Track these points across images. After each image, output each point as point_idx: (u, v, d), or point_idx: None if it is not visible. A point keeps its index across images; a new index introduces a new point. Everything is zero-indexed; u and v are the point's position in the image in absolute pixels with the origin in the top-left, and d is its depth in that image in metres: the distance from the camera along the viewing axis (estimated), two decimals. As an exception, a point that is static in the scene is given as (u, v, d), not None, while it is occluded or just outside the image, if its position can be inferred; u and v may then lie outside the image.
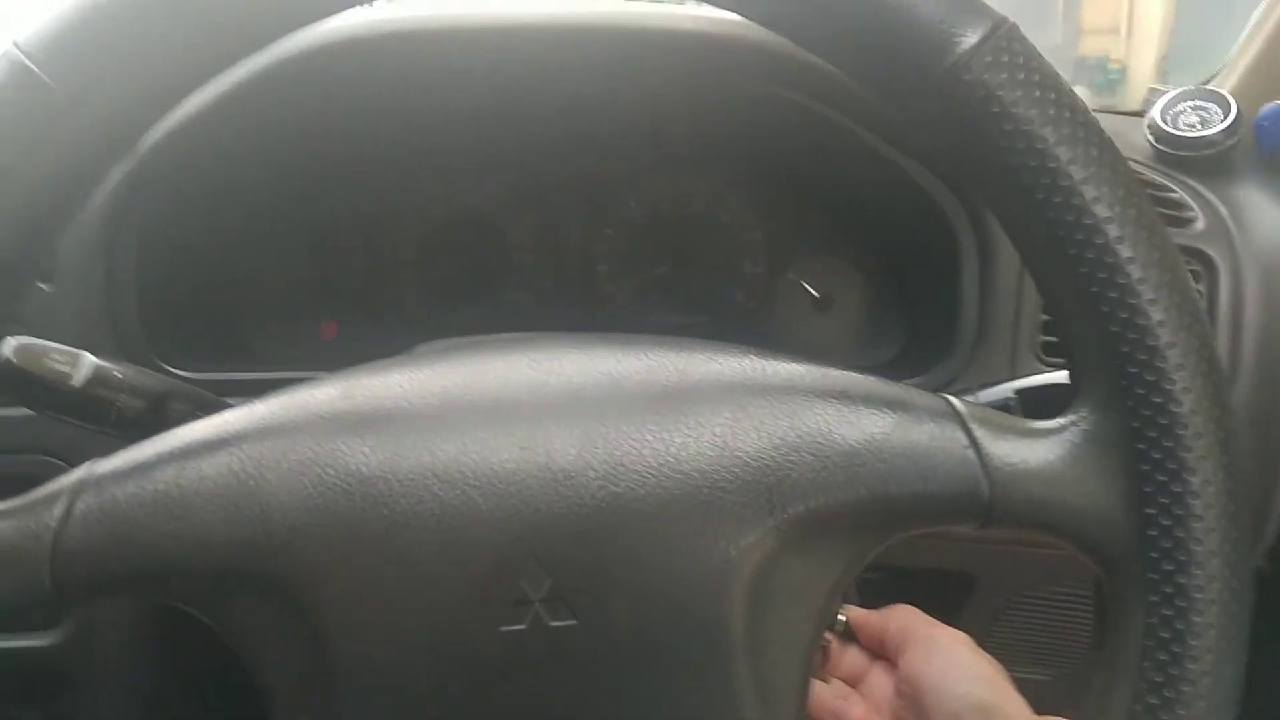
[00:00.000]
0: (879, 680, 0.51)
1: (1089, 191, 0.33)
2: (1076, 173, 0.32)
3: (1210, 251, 0.66)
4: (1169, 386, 0.33)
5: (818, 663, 0.55)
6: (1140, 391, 0.33)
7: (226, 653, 0.35)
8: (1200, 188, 0.69)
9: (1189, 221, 0.67)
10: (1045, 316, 0.65)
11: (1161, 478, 0.33)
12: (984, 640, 0.74)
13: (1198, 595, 0.32)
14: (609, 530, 0.33)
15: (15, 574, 0.33)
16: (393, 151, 0.78)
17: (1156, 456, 0.33)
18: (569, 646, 0.33)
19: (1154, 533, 0.33)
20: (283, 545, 0.33)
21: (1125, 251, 0.33)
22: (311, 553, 0.33)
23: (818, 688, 0.51)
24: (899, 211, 0.72)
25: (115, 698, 0.66)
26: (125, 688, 0.66)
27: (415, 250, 0.82)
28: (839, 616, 0.55)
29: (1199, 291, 0.66)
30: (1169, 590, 0.33)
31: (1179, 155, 0.70)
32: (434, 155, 0.79)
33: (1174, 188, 0.69)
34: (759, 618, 0.34)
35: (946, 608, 0.79)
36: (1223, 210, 0.68)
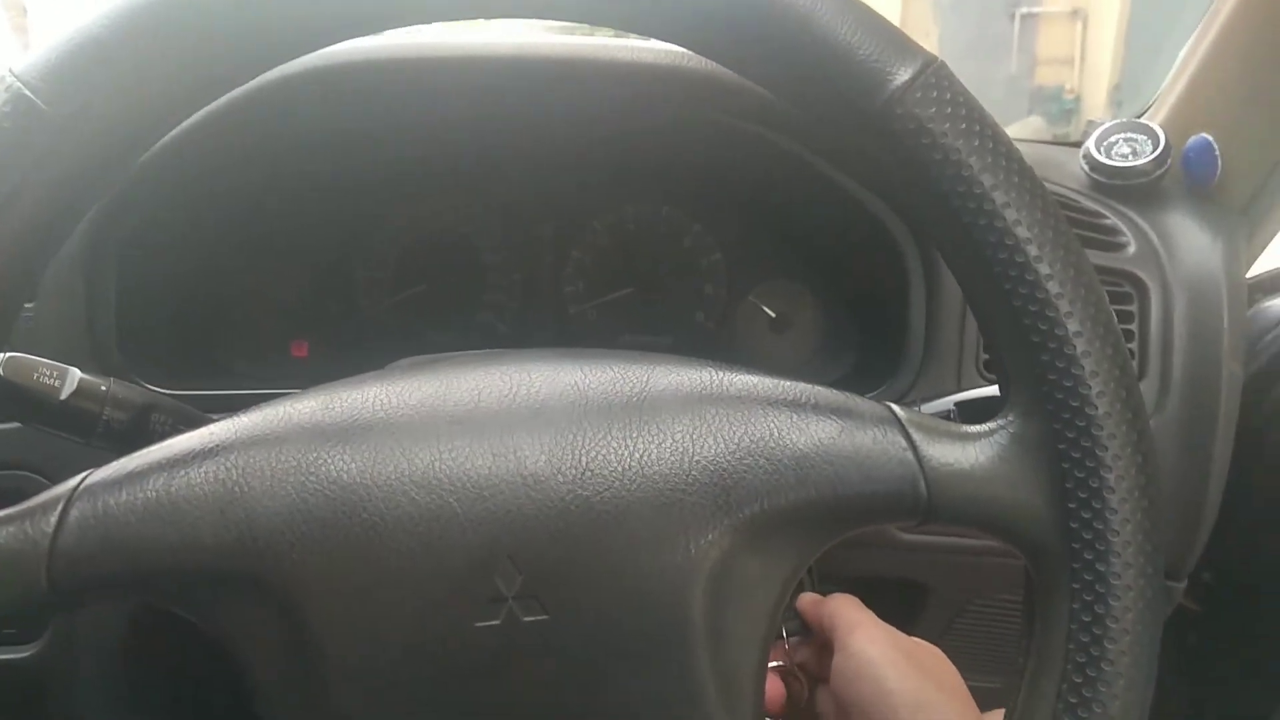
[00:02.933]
0: (815, 657, 0.53)
1: (1010, 215, 0.35)
2: (999, 198, 0.35)
3: (1141, 275, 0.70)
4: (1084, 391, 0.36)
5: (793, 688, 0.57)
6: (1059, 396, 0.36)
7: (205, 664, 0.37)
8: (1132, 214, 0.73)
9: (1121, 246, 0.71)
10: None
11: (1080, 474, 0.36)
12: (936, 645, 0.76)
13: (1115, 581, 0.35)
14: (578, 531, 0.35)
15: (14, 578, 0.34)
16: (367, 175, 0.80)
17: (1076, 456, 0.36)
18: (541, 641, 0.34)
19: (1075, 525, 0.36)
20: (267, 548, 0.34)
21: (1044, 269, 0.36)
22: (294, 555, 0.34)
23: None
24: (852, 239, 0.76)
25: (95, 709, 0.67)
26: (105, 699, 0.67)
27: (388, 272, 0.84)
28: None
29: (1130, 313, 0.69)
30: (1089, 577, 0.36)
31: (1112, 184, 0.74)
32: (407, 181, 0.81)
33: (1107, 214, 0.72)
34: (718, 611, 0.36)
35: (902, 617, 0.81)
36: (1153, 236, 0.72)
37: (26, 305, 0.63)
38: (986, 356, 0.68)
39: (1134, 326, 0.69)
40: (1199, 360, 0.69)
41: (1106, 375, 0.36)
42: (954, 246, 0.38)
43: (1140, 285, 0.70)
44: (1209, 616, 0.95)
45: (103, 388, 0.50)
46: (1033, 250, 0.36)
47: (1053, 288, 0.36)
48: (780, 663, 0.56)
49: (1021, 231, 0.36)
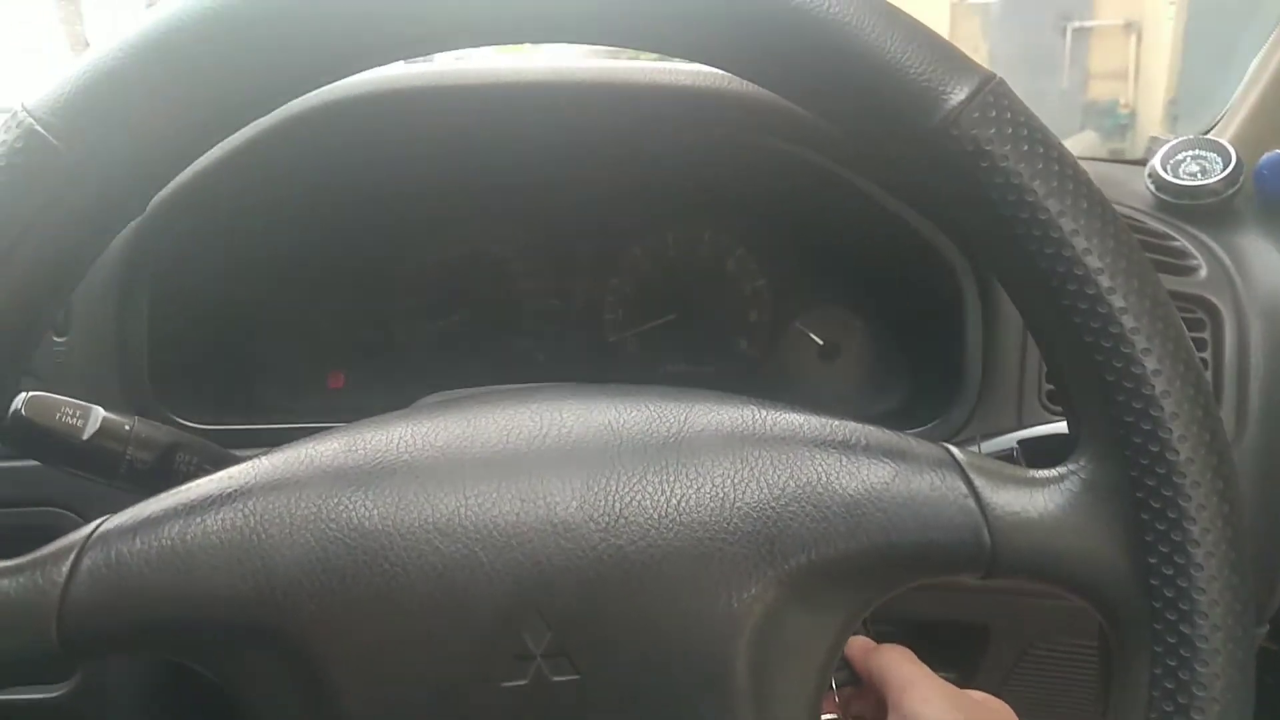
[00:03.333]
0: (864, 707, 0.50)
1: (1079, 243, 0.33)
2: (1066, 224, 0.33)
3: (1214, 299, 0.66)
4: (1165, 435, 0.33)
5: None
6: (1137, 440, 0.33)
7: (235, 712, 0.35)
8: (1203, 236, 0.69)
9: (1192, 270, 0.67)
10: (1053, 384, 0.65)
11: (1161, 526, 0.33)
12: (999, 693, 0.73)
13: (1202, 645, 0.32)
14: (610, 582, 0.33)
15: (23, 631, 0.33)
16: (402, 203, 0.79)
17: (1156, 505, 0.33)
18: (571, 702, 0.33)
19: (1156, 581, 0.33)
20: (285, 599, 0.33)
21: (1117, 301, 0.33)
22: (313, 606, 0.33)
23: None
24: (903, 263, 0.73)
25: None
26: None
27: (424, 300, 0.83)
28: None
29: (1204, 340, 0.66)
30: (1173, 640, 0.33)
31: (1180, 204, 0.70)
32: (443, 207, 0.81)
33: (1176, 236, 0.69)
34: (763, 669, 0.34)
35: (962, 660, 0.78)
36: (1225, 258, 0.68)
37: (58, 339, 0.63)
38: (1050, 387, 0.65)
39: (1207, 354, 0.65)
40: (1277, 387, 0.65)
41: (1188, 417, 0.33)
42: (1017, 277, 0.35)
43: (1213, 310, 0.66)
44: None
45: (126, 427, 0.50)
46: (1105, 281, 0.33)
47: (1128, 322, 0.33)
48: (833, 716, 0.54)
49: (1092, 261, 0.33)
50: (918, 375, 0.78)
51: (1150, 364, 0.33)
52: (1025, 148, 0.33)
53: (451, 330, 0.83)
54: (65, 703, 0.64)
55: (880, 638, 0.58)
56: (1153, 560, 0.33)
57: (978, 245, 0.36)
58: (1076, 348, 0.34)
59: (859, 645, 0.53)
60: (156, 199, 0.62)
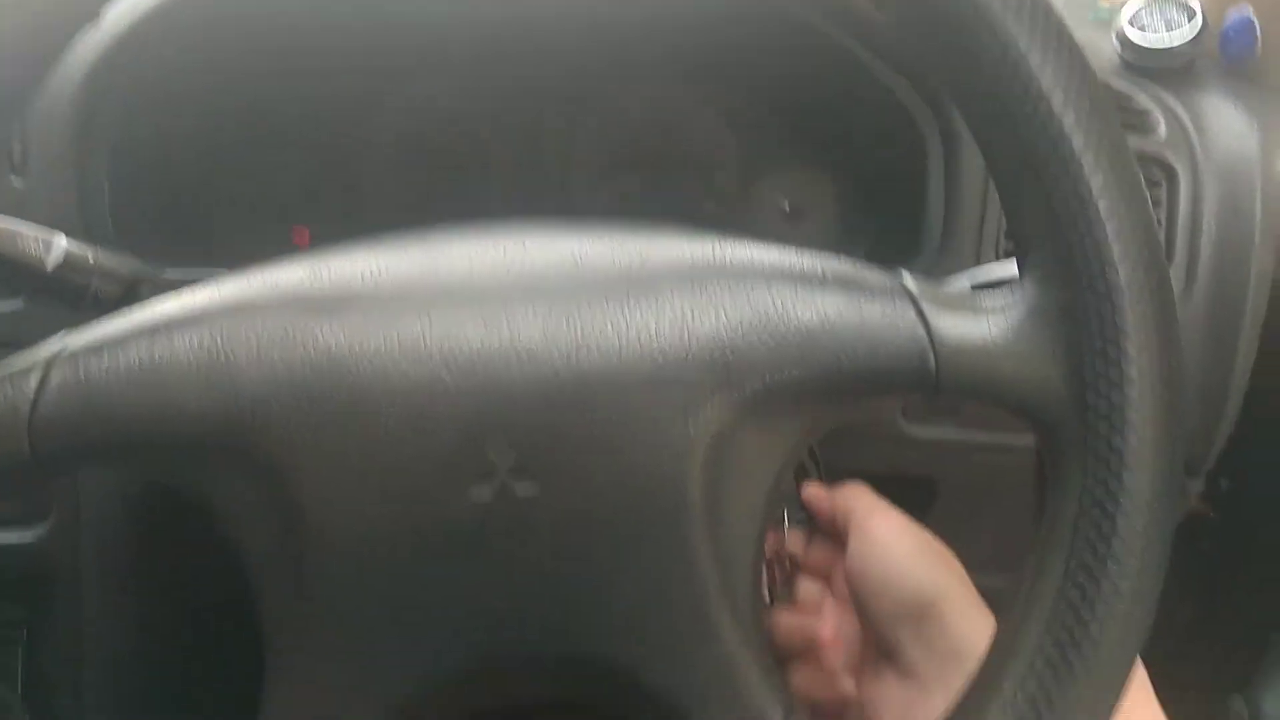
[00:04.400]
0: (824, 553, 0.52)
1: (1034, 59, 0.33)
2: (1023, 43, 0.33)
3: (1171, 159, 0.67)
4: (1107, 254, 0.34)
5: (777, 577, 0.56)
6: (1079, 260, 0.34)
7: (214, 544, 0.36)
8: (1165, 96, 0.69)
9: (1151, 129, 0.68)
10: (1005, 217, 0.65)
11: (1098, 344, 0.34)
12: (948, 546, 0.75)
13: (1132, 456, 0.33)
14: (573, 405, 0.34)
15: None
16: (369, 54, 0.77)
17: (1094, 324, 0.34)
18: (534, 515, 0.34)
19: (1091, 397, 0.34)
20: (252, 417, 0.34)
21: (1068, 119, 0.33)
22: (280, 425, 0.34)
23: (783, 614, 0.52)
24: (867, 115, 0.73)
25: (102, 591, 0.67)
26: (112, 581, 0.67)
27: (390, 160, 0.82)
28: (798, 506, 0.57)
29: (1159, 199, 0.67)
30: (1104, 451, 0.34)
31: (1144, 64, 0.70)
32: (411, 60, 0.79)
33: (1138, 96, 0.69)
34: (716, 487, 0.35)
35: (910, 514, 0.80)
36: (1185, 118, 0.68)
37: (16, 180, 0.62)
38: (1008, 245, 0.66)
39: (1162, 213, 0.66)
40: (1228, 249, 0.66)
41: (1130, 238, 0.34)
42: (973, 96, 0.35)
43: (1170, 170, 0.67)
44: (1224, 525, 0.94)
45: (90, 259, 0.49)
46: (1058, 101, 0.33)
47: (1077, 140, 0.34)
48: (794, 552, 0.56)
49: (1046, 80, 0.33)
50: (881, 235, 0.79)
51: (1096, 184, 0.33)
52: None
53: (417, 189, 0.82)
54: (39, 546, 0.65)
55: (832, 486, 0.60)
56: (1088, 377, 0.34)
57: (940, 71, 0.36)
58: (1028, 170, 0.34)
59: (817, 490, 0.55)
60: (113, 35, 0.61)
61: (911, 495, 0.75)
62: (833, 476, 0.65)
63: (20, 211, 0.61)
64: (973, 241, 0.66)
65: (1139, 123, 0.68)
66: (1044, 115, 0.33)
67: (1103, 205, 0.34)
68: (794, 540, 0.56)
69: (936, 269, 0.67)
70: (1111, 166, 0.34)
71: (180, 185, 0.75)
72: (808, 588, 0.53)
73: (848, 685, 0.50)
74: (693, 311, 0.35)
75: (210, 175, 0.78)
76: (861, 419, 0.68)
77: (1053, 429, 0.36)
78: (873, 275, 0.38)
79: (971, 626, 0.45)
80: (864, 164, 0.79)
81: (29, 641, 0.69)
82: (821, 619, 0.51)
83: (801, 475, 0.65)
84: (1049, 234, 0.35)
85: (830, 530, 0.53)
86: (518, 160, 0.83)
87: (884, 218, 0.78)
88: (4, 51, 0.33)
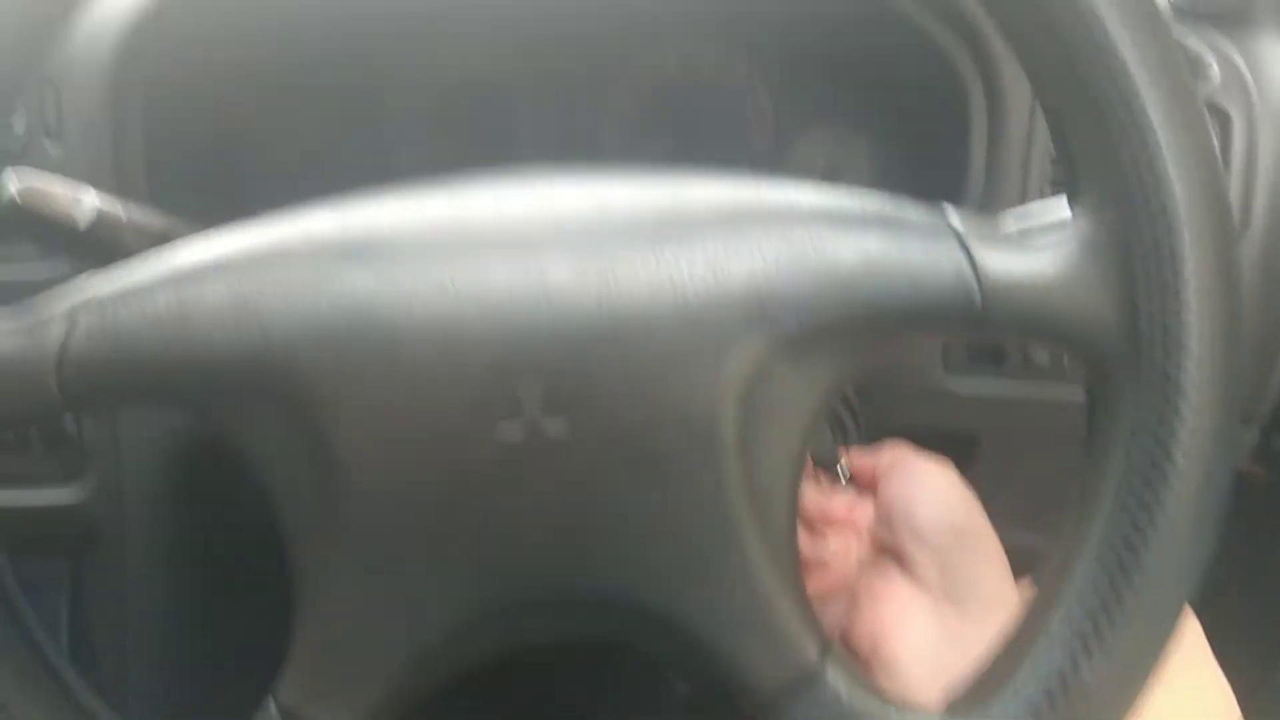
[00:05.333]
0: (864, 512, 0.52)
1: None
2: None
3: (1225, 105, 0.64)
4: (1164, 179, 0.32)
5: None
6: (1134, 186, 0.33)
7: (252, 497, 0.37)
8: (1220, 41, 0.67)
9: (1205, 75, 0.65)
10: (1053, 162, 0.64)
11: (1153, 270, 0.33)
12: (988, 503, 0.74)
13: (1189, 385, 0.32)
14: (603, 343, 0.33)
15: (24, 385, 0.34)
16: (400, 14, 0.76)
17: (1150, 250, 0.33)
18: (565, 452, 0.33)
19: (1145, 325, 0.33)
20: (281, 358, 0.34)
21: (1125, 52, 0.32)
22: (309, 366, 0.34)
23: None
24: (907, 67, 0.71)
25: (144, 549, 0.68)
26: (153, 539, 0.68)
27: (422, 125, 0.82)
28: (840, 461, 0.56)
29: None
30: (1159, 381, 0.33)
31: (1198, 10, 0.68)
32: (441, 19, 0.78)
33: (1190, 42, 0.67)
34: (750, 425, 0.34)
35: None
36: (1241, 64, 0.66)
37: (51, 145, 0.62)
38: (1053, 192, 0.64)
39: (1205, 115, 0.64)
40: None
41: (1188, 164, 0.33)
42: (1021, 24, 0.34)
43: (1224, 117, 0.65)
44: (1277, 485, 0.91)
45: (122, 214, 0.50)
46: (1115, 31, 0.32)
47: (1139, 74, 0.32)
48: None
49: (1102, 7, 0.32)
50: (922, 190, 0.77)
51: (1153, 107, 0.32)
52: None
53: (448, 148, 0.82)
54: (81, 504, 0.66)
55: (871, 444, 0.60)
56: (1143, 305, 0.33)
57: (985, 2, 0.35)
58: (1081, 99, 0.33)
59: (860, 454, 0.55)
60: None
61: (952, 451, 0.74)
62: (872, 433, 0.65)
63: (56, 174, 0.61)
64: (1017, 184, 0.65)
65: (1192, 69, 0.66)
66: (1099, 37, 0.32)
67: (1160, 129, 0.32)
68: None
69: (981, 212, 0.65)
70: (1169, 90, 0.33)
71: (214, 150, 0.75)
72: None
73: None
74: (727, 250, 0.35)
75: (244, 140, 0.78)
76: (903, 361, 0.67)
77: (1105, 360, 0.34)
78: (916, 212, 0.37)
79: (992, 571, 0.45)
80: (904, 117, 0.77)
81: (72, 596, 0.70)
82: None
83: (840, 432, 0.64)
84: (1103, 162, 0.33)
85: (865, 484, 0.53)
86: (547, 119, 0.82)
87: (925, 177, 0.77)
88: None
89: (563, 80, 0.82)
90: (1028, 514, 0.78)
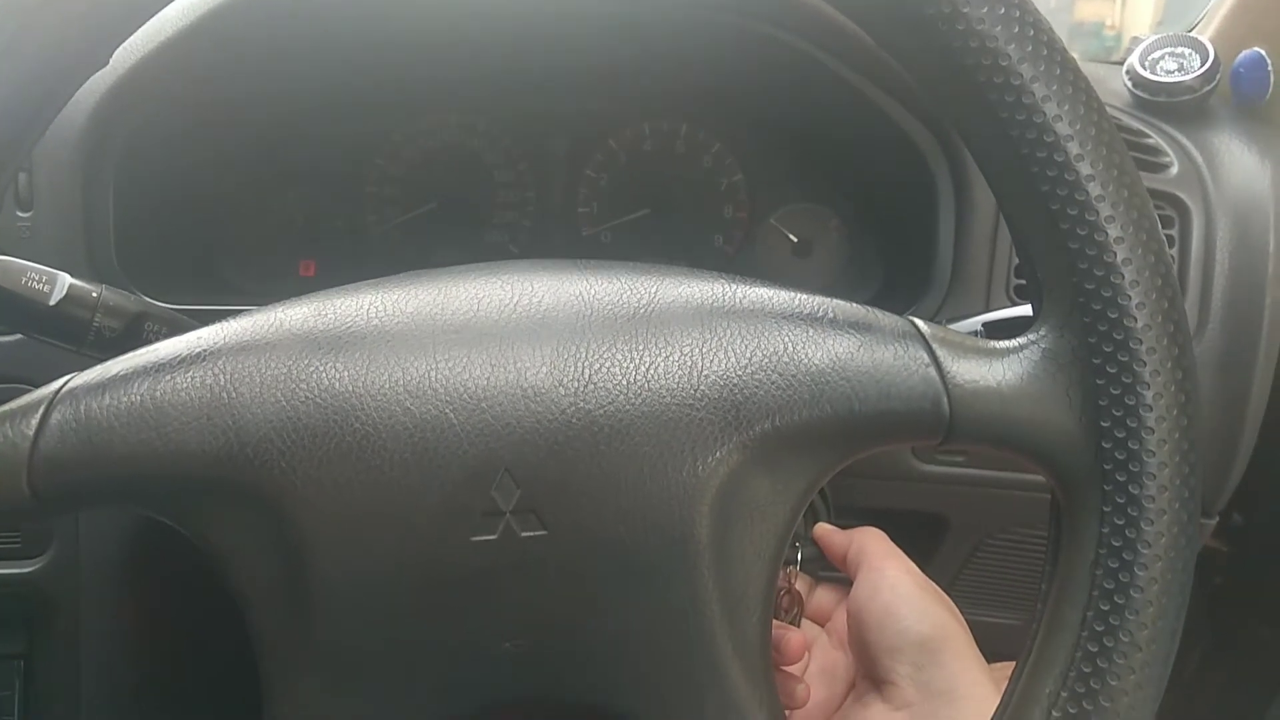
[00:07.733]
0: (842, 617, 0.52)
1: (1050, 109, 0.33)
2: (1039, 90, 0.33)
3: (1183, 196, 0.66)
4: (1124, 302, 0.33)
5: (784, 604, 0.56)
6: (1096, 307, 0.33)
7: (212, 578, 0.36)
8: (1177, 134, 0.69)
9: (1164, 167, 0.68)
10: (1019, 260, 0.65)
11: (1115, 391, 0.33)
12: (955, 583, 0.74)
13: (1150, 504, 0.33)
14: (579, 445, 0.33)
15: None
16: (372, 89, 0.77)
17: (1111, 370, 0.33)
18: (539, 557, 0.33)
19: (1108, 444, 0.33)
20: (255, 456, 0.33)
21: (1084, 169, 0.33)
22: (283, 464, 0.33)
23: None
24: (879, 157, 0.73)
25: (100, 623, 0.67)
26: (111, 614, 0.67)
27: (396, 191, 0.82)
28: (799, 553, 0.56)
29: (1172, 236, 0.66)
30: (1121, 500, 0.33)
31: (1156, 102, 0.70)
32: (418, 92, 0.79)
33: (1150, 133, 0.69)
34: (725, 531, 0.34)
35: (920, 550, 0.80)
36: (1198, 156, 0.68)
37: (22, 214, 0.62)
38: (1019, 282, 0.65)
39: (1174, 251, 0.66)
40: (1241, 287, 0.66)
41: (1148, 285, 0.33)
42: (988, 144, 0.35)
43: (1182, 207, 0.66)
44: (1237, 559, 0.93)
45: (94, 294, 0.49)
46: (1074, 148, 0.33)
47: (1094, 189, 0.33)
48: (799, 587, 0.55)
49: (1062, 127, 0.33)
50: (889, 272, 0.79)
51: (1114, 231, 0.33)
52: (1001, 10, 0.32)
53: (424, 220, 0.82)
54: (39, 577, 0.65)
55: (842, 526, 0.60)
56: (1105, 424, 0.34)
57: (952, 114, 0.36)
58: (1043, 216, 0.34)
59: (827, 529, 0.55)
60: (121, 71, 0.61)
61: (922, 531, 0.75)
62: (842, 513, 0.65)
63: (26, 245, 0.61)
64: (982, 281, 0.66)
65: (1151, 160, 0.68)
66: (1061, 162, 0.33)
67: (1120, 251, 0.33)
68: (801, 581, 0.56)
69: (946, 308, 0.66)
70: (1129, 212, 0.33)
71: (186, 220, 0.75)
72: (806, 625, 0.53)
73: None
74: (702, 352, 0.35)
75: (216, 210, 0.78)
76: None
77: (1069, 476, 0.35)
78: (884, 318, 0.37)
79: (967, 671, 0.45)
80: (874, 201, 0.79)
81: (26, 674, 0.69)
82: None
83: (811, 513, 0.64)
84: (1065, 279, 0.34)
85: (840, 568, 0.53)
86: (524, 191, 0.83)
87: (893, 254, 0.78)
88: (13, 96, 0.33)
89: (539, 151, 0.82)
90: (997, 593, 0.78)
